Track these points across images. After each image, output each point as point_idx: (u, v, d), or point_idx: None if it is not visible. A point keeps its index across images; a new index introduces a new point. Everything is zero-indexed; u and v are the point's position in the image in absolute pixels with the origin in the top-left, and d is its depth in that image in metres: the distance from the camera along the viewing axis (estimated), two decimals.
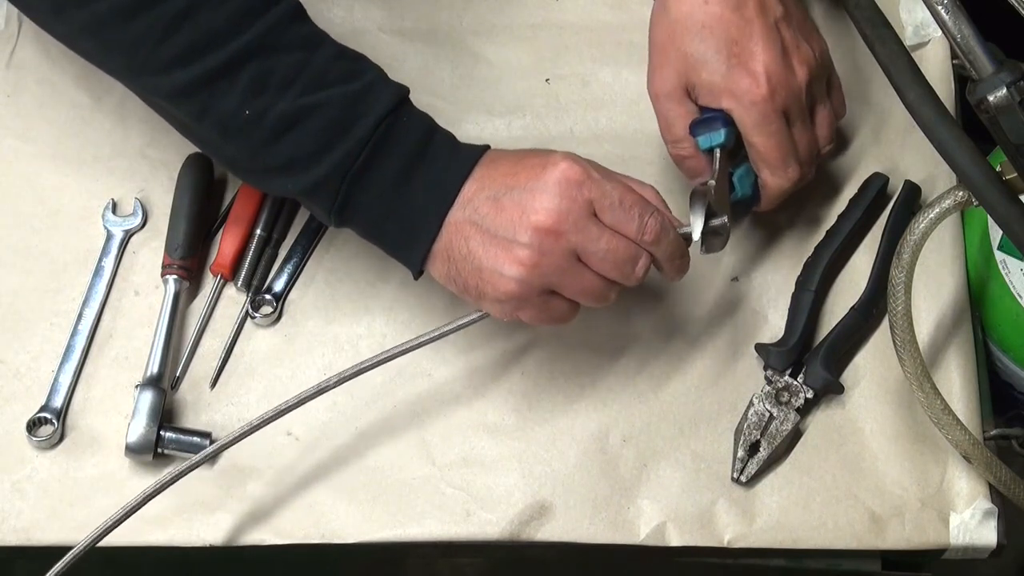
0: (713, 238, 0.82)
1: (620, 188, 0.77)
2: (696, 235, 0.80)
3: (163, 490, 0.82)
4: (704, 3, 0.83)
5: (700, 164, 0.87)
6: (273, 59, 0.76)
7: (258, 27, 0.75)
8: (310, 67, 0.77)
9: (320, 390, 0.82)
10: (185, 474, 0.82)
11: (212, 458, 0.87)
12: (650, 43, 0.87)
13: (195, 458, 0.83)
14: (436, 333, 0.82)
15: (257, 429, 0.82)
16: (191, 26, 0.75)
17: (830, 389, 0.88)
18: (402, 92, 0.79)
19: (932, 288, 0.92)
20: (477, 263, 0.77)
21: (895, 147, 0.98)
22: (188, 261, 0.94)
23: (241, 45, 0.75)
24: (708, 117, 0.85)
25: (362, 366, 0.82)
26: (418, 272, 0.81)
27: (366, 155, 0.77)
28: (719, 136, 0.84)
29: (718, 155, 0.85)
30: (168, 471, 0.82)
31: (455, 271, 0.78)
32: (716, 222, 0.81)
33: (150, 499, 0.81)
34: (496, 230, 0.76)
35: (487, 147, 0.80)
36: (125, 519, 0.81)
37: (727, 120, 0.84)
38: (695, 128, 0.86)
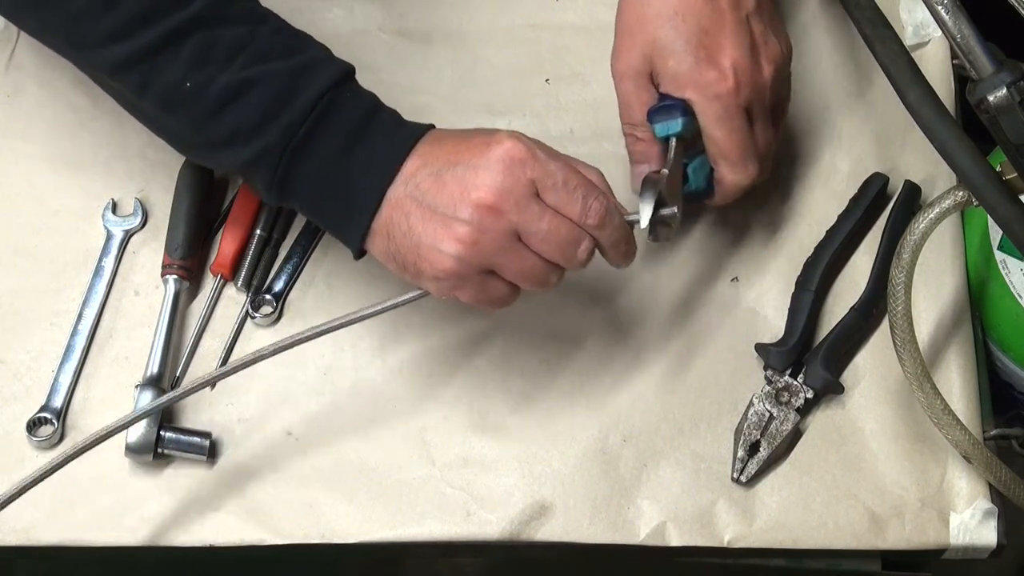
0: (662, 228, 0.80)
1: (565, 169, 0.75)
2: (644, 223, 0.78)
3: (59, 468, 0.82)
4: None
5: (651, 151, 0.86)
6: (217, 32, 0.76)
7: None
8: (254, 41, 0.76)
9: (257, 358, 0.81)
10: (92, 447, 0.82)
11: (210, 458, 0.87)
12: (617, 22, 0.86)
13: (113, 423, 0.82)
14: (373, 309, 0.80)
15: (199, 389, 0.83)
16: None
17: (830, 389, 0.88)
18: (347, 68, 0.79)
19: (932, 288, 0.92)
20: (416, 239, 0.75)
21: (895, 147, 0.97)
22: (188, 261, 0.94)
23: (185, 17, 0.75)
24: (667, 105, 0.84)
25: (296, 338, 0.81)
26: (358, 251, 0.79)
27: (307, 127, 0.76)
28: (676, 125, 0.83)
29: (673, 144, 0.84)
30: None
31: (394, 247, 0.77)
32: (666, 211, 0.79)
33: (42, 479, 0.82)
34: (436, 206, 0.75)
35: (432, 125, 0.79)
36: (21, 494, 0.82)
37: (686, 110, 0.83)
38: (653, 115, 0.85)
